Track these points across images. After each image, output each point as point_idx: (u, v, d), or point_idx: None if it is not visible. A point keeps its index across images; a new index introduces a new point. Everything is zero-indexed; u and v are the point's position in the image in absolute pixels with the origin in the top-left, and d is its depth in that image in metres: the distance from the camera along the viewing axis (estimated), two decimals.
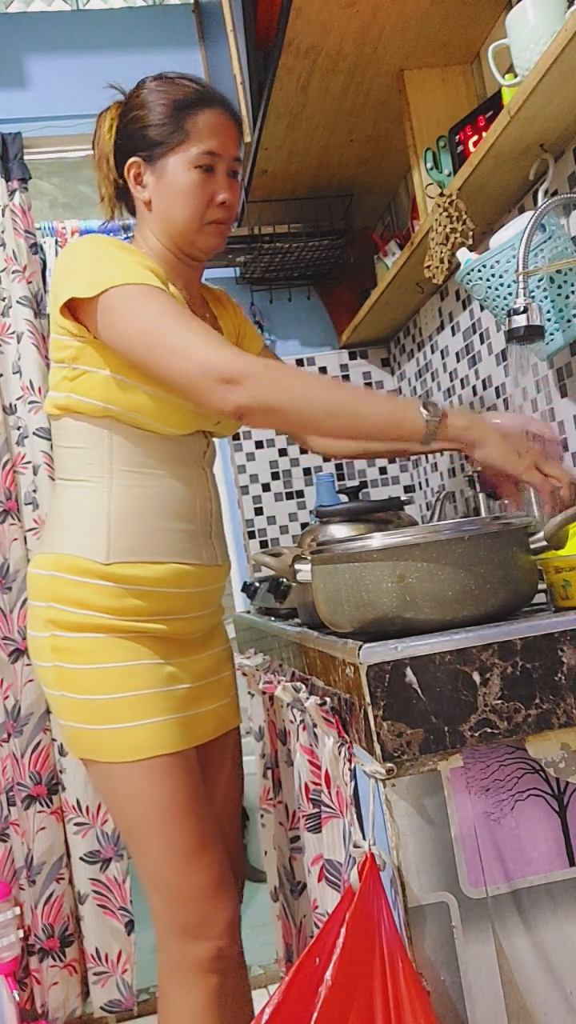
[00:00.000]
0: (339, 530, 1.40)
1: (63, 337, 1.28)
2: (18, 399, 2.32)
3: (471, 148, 1.63)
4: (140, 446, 1.30)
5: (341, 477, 2.52)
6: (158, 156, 1.31)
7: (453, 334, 2.11)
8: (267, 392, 1.15)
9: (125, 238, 1.40)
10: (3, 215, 2.36)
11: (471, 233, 1.59)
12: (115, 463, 1.29)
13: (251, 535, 2.49)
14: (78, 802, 2.22)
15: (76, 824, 2.22)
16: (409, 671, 0.82)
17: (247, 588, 1.96)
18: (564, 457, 1.21)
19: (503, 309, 1.46)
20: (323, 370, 2.56)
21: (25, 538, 2.29)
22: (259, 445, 2.50)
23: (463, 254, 1.51)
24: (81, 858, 2.21)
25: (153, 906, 1.27)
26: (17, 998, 1.97)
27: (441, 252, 1.62)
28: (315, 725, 1.06)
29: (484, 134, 1.55)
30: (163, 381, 1.22)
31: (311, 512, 2.45)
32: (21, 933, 2.07)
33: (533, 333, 1.28)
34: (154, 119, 1.32)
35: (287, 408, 1.17)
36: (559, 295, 1.40)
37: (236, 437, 2.49)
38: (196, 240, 1.34)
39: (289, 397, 1.16)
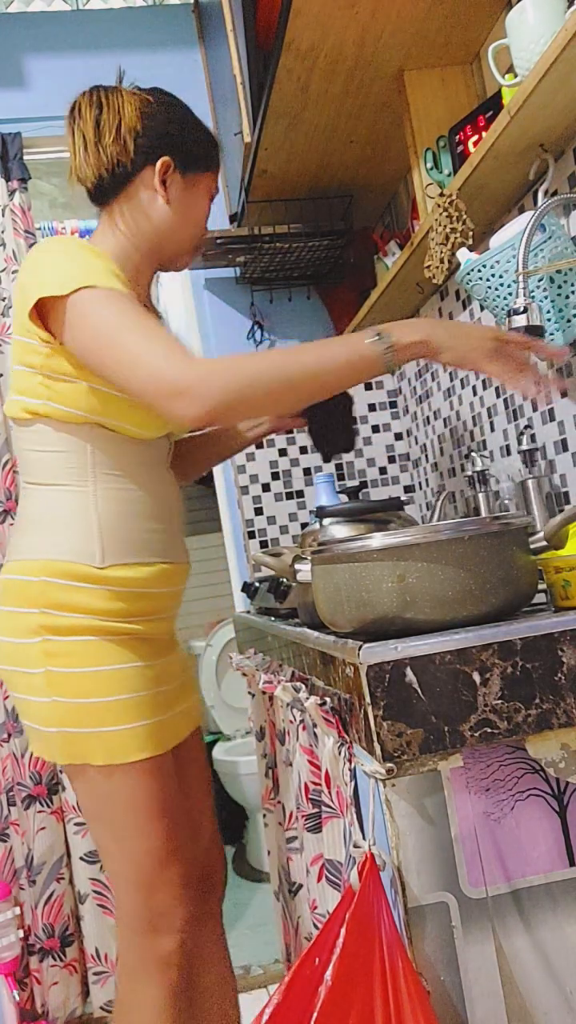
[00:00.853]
0: (339, 530, 1.40)
1: (31, 341, 1.26)
2: None
3: (471, 148, 1.63)
4: (119, 449, 1.31)
5: (341, 477, 2.52)
6: (192, 168, 1.35)
7: None
8: (219, 393, 1.13)
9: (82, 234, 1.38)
10: (3, 215, 2.36)
11: (471, 233, 1.59)
12: (96, 467, 1.30)
13: (251, 535, 2.49)
14: (78, 802, 2.22)
15: (76, 824, 2.22)
16: (409, 671, 0.82)
17: (247, 588, 1.96)
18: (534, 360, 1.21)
19: (503, 309, 1.46)
20: None
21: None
22: (259, 445, 2.50)
23: (463, 254, 1.51)
24: (81, 858, 2.22)
25: (122, 904, 1.30)
26: (17, 998, 1.97)
27: (441, 252, 1.62)
28: (315, 725, 1.06)
29: (484, 134, 1.55)
30: (120, 390, 1.23)
31: (311, 512, 2.45)
32: (21, 933, 2.08)
33: (533, 333, 1.28)
34: (200, 136, 1.36)
35: (248, 397, 1.15)
36: (559, 295, 1.40)
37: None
38: (183, 257, 1.40)
39: (243, 387, 1.14)
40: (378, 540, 0.88)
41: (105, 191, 1.35)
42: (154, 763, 1.28)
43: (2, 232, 2.36)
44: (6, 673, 1.32)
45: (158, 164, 1.33)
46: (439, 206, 1.60)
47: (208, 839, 1.51)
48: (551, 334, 1.42)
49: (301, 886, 1.40)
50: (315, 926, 1.16)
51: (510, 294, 1.43)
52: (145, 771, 1.27)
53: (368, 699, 0.81)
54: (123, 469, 1.31)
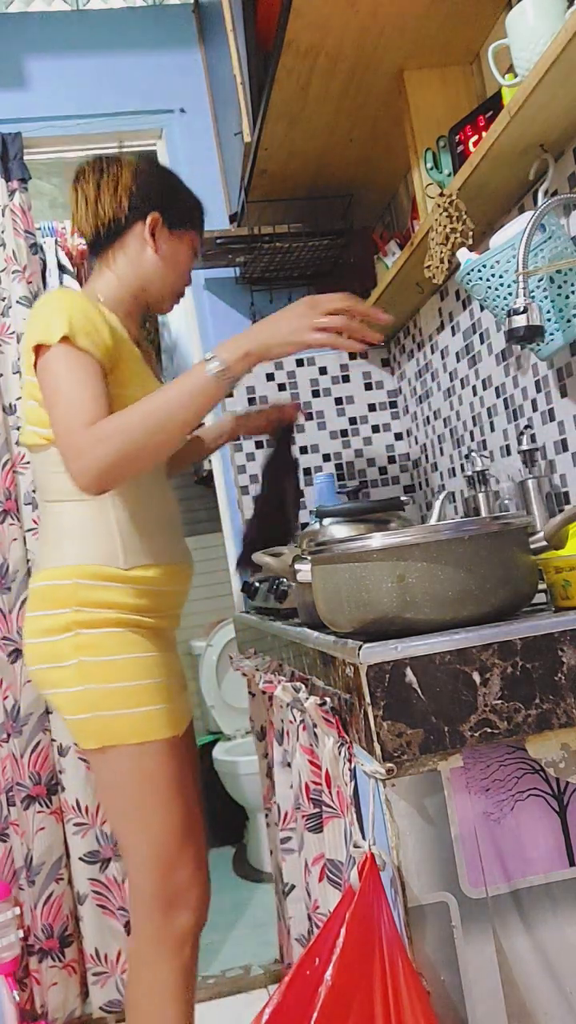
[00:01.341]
0: (339, 530, 1.40)
1: (35, 380, 1.41)
2: (18, 399, 2.32)
3: (471, 148, 1.63)
4: None
5: (341, 477, 2.52)
6: (179, 225, 1.55)
7: (453, 334, 2.11)
8: (99, 462, 1.29)
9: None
10: (3, 215, 2.36)
11: (471, 233, 1.59)
12: None
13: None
14: (77, 802, 2.22)
15: (75, 824, 2.22)
16: (409, 671, 0.82)
17: (247, 588, 1.96)
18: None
19: (503, 309, 1.46)
20: (323, 370, 2.56)
21: (24, 538, 2.29)
22: (259, 445, 2.50)
23: (463, 254, 1.51)
24: (80, 858, 2.21)
25: (140, 884, 1.41)
26: (17, 998, 1.97)
27: (441, 252, 1.62)
28: (315, 725, 1.06)
29: (484, 134, 1.55)
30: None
31: (311, 512, 2.45)
32: (21, 933, 2.07)
33: (533, 333, 1.28)
34: (186, 199, 1.57)
35: (125, 457, 1.29)
36: (559, 295, 1.40)
37: (236, 438, 2.49)
38: (166, 302, 1.60)
39: (117, 449, 1.29)
40: (378, 540, 0.88)
41: (101, 242, 1.55)
42: (173, 743, 1.42)
43: (2, 232, 2.36)
44: (39, 673, 1.45)
45: (148, 219, 1.52)
46: (439, 206, 1.60)
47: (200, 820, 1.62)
48: (551, 334, 1.42)
49: (294, 887, 1.40)
50: (316, 926, 1.16)
51: (510, 294, 1.43)
52: (167, 750, 1.41)
53: (368, 699, 0.81)
54: (138, 483, 1.47)
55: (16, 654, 2.25)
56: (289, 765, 1.30)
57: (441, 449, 2.31)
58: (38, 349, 1.38)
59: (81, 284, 1.70)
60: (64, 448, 1.32)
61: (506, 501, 1.78)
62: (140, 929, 1.42)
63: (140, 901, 1.42)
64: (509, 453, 1.91)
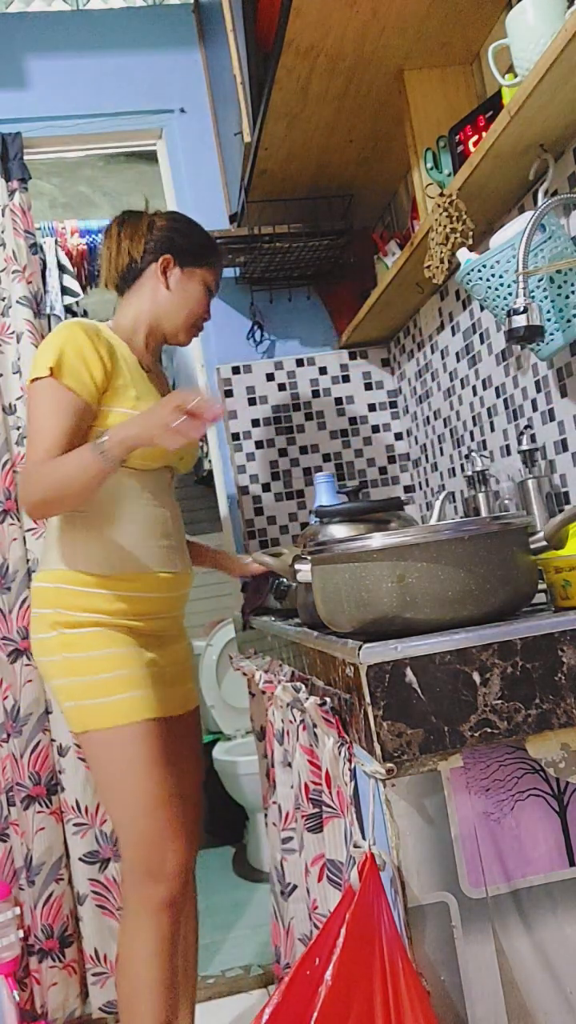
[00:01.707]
0: (339, 530, 1.40)
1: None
2: (18, 399, 2.32)
3: (471, 148, 1.63)
4: (129, 480, 1.63)
5: (341, 477, 2.53)
6: (188, 264, 1.74)
7: (453, 334, 2.11)
8: (29, 497, 1.54)
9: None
10: (3, 215, 2.36)
11: (471, 233, 1.59)
12: (106, 495, 1.60)
13: (251, 535, 2.49)
14: (77, 803, 2.21)
15: (75, 824, 2.22)
16: (409, 671, 0.82)
17: (247, 588, 1.96)
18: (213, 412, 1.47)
19: (503, 309, 1.46)
20: (323, 370, 2.56)
21: (24, 538, 2.29)
22: (259, 445, 2.50)
23: (463, 254, 1.51)
24: (80, 859, 2.21)
25: (124, 854, 1.57)
26: (17, 998, 1.97)
27: (441, 252, 1.62)
28: (315, 725, 1.06)
29: (484, 134, 1.55)
30: None
31: (311, 512, 2.45)
32: (21, 933, 2.07)
33: (533, 333, 1.28)
34: (198, 241, 1.77)
35: (44, 500, 1.53)
36: (559, 295, 1.40)
37: (236, 438, 2.49)
38: (180, 334, 1.77)
39: (40, 492, 1.52)
40: (378, 540, 0.88)
41: (125, 282, 1.76)
42: (149, 725, 1.56)
43: (2, 232, 2.36)
44: (39, 664, 1.65)
45: (159, 260, 1.72)
46: (439, 206, 1.60)
47: (192, 802, 1.76)
48: (551, 334, 1.42)
49: (296, 887, 1.40)
50: (316, 926, 1.16)
51: (510, 294, 1.43)
52: (140, 732, 1.55)
53: (368, 699, 0.81)
54: (128, 496, 1.63)
55: (16, 654, 2.25)
56: (290, 765, 1.30)
57: (441, 449, 2.31)
58: (33, 380, 1.58)
59: (81, 284, 1.82)
60: (20, 475, 1.51)
61: (506, 501, 1.78)
62: (126, 898, 1.58)
63: (125, 870, 1.59)
64: (509, 453, 1.91)
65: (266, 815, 1.74)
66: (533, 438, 1.72)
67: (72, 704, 1.58)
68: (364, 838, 0.85)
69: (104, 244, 1.78)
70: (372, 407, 2.58)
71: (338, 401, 2.56)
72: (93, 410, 1.58)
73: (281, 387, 2.53)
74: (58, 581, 1.61)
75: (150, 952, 1.53)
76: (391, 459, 2.58)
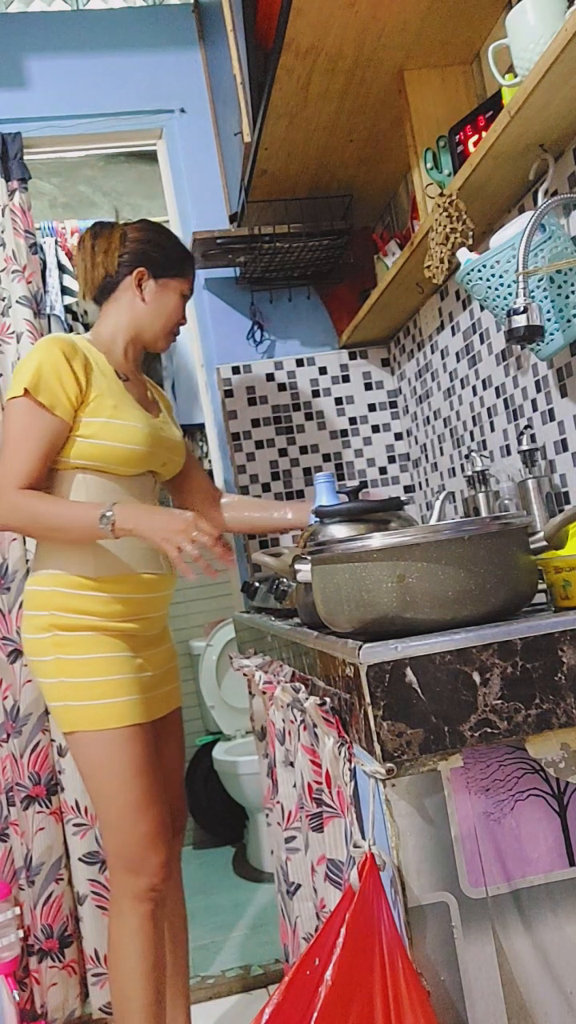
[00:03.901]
0: (339, 530, 1.40)
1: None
2: None
3: (471, 148, 1.63)
4: (112, 485, 1.68)
5: (341, 477, 2.53)
6: (162, 275, 1.79)
7: (453, 334, 2.11)
8: (3, 519, 1.61)
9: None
10: (3, 215, 2.36)
11: (471, 233, 1.59)
12: (90, 499, 1.65)
13: (251, 535, 2.48)
14: (77, 803, 2.21)
15: (75, 825, 2.22)
16: (409, 671, 0.82)
17: (247, 588, 1.96)
18: (231, 555, 1.59)
19: (503, 309, 1.46)
20: (323, 370, 2.56)
21: (24, 539, 2.29)
22: (259, 445, 2.50)
23: (463, 254, 1.51)
24: (80, 859, 2.21)
25: (107, 849, 1.65)
26: (17, 998, 1.97)
27: (441, 252, 1.62)
28: (315, 725, 1.06)
29: (484, 134, 1.55)
30: None
31: (311, 512, 2.45)
32: (21, 933, 2.07)
33: (533, 333, 1.28)
34: (169, 253, 1.81)
35: (21, 530, 1.67)
36: (559, 295, 1.40)
37: (236, 437, 2.49)
38: (159, 341, 1.83)
39: (18, 521, 1.61)
40: (378, 540, 0.88)
41: (102, 295, 1.81)
42: (134, 730, 1.62)
43: (2, 232, 2.36)
44: (30, 664, 1.69)
45: (134, 273, 1.77)
46: (439, 206, 1.60)
47: (177, 797, 1.85)
48: (551, 334, 1.42)
49: (300, 886, 1.40)
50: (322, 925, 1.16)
51: (510, 294, 1.43)
52: (127, 737, 1.61)
53: (368, 699, 0.81)
54: (112, 500, 1.65)
55: (15, 654, 2.25)
56: (292, 764, 1.30)
57: (441, 449, 2.31)
58: (10, 399, 1.64)
59: (85, 296, 1.89)
60: None
61: (506, 501, 1.78)
62: (111, 884, 1.66)
63: (109, 863, 1.66)
64: (509, 453, 1.91)
65: (267, 814, 1.74)
66: (533, 438, 1.72)
67: (61, 704, 1.63)
68: (364, 838, 0.85)
69: (78, 256, 1.83)
70: (372, 407, 2.58)
71: (338, 401, 2.56)
72: (69, 426, 1.64)
73: (281, 387, 2.53)
74: (53, 584, 1.65)
75: (132, 939, 1.60)
76: (391, 459, 2.58)
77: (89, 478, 1.67)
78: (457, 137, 1.66)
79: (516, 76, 1.37)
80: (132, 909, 1.62)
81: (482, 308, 1.85)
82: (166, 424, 1.83)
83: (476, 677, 0.82)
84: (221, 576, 3.43)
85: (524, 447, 1.68)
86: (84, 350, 1.70)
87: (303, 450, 2.52)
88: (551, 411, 1.70)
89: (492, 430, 1.98)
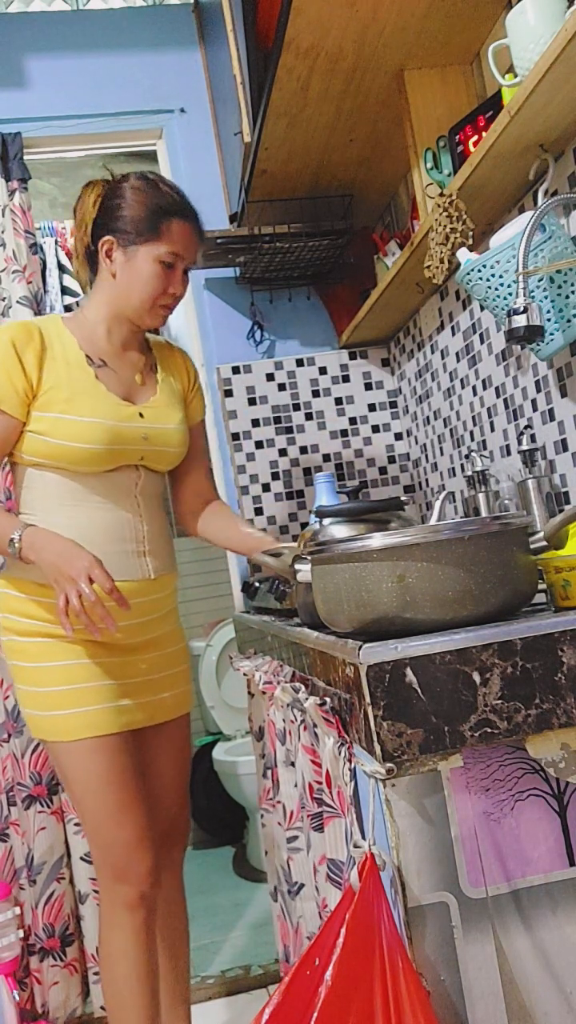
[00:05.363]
0: (339, 530, 1.40)
1: None
2: None
3: (471, 148, 1.63)
4: (71, 483, 1.56)
5: (341, 477, 2.53)
6: (131, 242, 1.58)
7: (453, 334, 2.11)
8: None
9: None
10: (3, 215, 2.36)
11: (471, 233, 1.59)
12: (49, 498, 1.56)
13: None
14: None
15: (76, 824, 2.22)
16: (409, 671, 0.82)
17: (247, 588, 1.96)
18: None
19: (503, 309, 1.46)
20: (323, 370, 2.56)
21: None
22: (259, 445, 2.50)
23: (463, 254, 1.51)
24: (81, 858, 2.21)
25: (93, 857, 1.58)
26: (17, 998, 1.97)
27: (441, 252, 1.62)
28: (315, 725, 1.06)
29: (484, 134, 1.55)
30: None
31: (311, 512, 2.45)
32: (21, 933, 2.07)
33: (533, 333, 1.28)
34: (135, 212, 1.58)
35: None
36: (559, 295, 1.40)
37: (236, 437, 2.49)
38: (144, 317, 1.63)
39: None
40: (378, 540, 0.88)
41: (90, 267, 1.66)
42: (99, 741, 1.52)
43: (2, 232, 2.36)
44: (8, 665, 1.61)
45: (101, 244, 1.60)
46: (439, 206, 1.60)
47: (175, 806, 1.74)
48: (551, 334, 1.42)
49: (303, 885, 1.40)
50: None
51: (510, 294, 1.43)
52: (87, 748, 1.52)
53: (368, 699, 0.81)
54: (77, 501, 1.56)
55: None
56: (293, 764, 1.30)
57: (441, 449, 2.31)
58: None
59: (81, 284, 1.77)
60: None
61: (506, 501, 1.78)
62: (101, 893, 1.59)
63: (96, 870, 1.59)
64: (509, 453, 1.91)
65: (262, 815, 1.74)
66: (533, 438, 1.72)
67: (24, 711, 1.58)
68: (364, 838, 0.85)
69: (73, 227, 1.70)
70: (372, 407, 2.58)
71: (338, 401, 2.56)
72: (19, 421, 1.53)
73: (281, 387, 2.53)
74: (4, 586, 1.58)
75: (123, 945, 1.54)
76: (391, 459, 2.58)
77: (47, 476, 1.56)
78: (457, 137, 1.66)
79: (516, 76, 1.37)
80: (124, 918, 1.55)
81: (482, 308, 1.85)
82: (155, 410, 1.64)
83: (476, 677, 0.83)
84: (221, 576, 3.43)
85: (524, 447, 1.68)
86: (49, 335, 1.57)
87: (303, 450, 2.53)
88: (551, 411, 1.70)
89: (492, 430, 1.98)
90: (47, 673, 1.54)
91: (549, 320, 1.41)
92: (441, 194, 1.61)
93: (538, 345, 1.46)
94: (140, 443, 1.60)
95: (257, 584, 1.90)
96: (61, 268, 3.07)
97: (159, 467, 1.67)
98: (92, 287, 1.66)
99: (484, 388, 1.98)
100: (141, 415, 1.61)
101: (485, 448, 2.02)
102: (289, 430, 2.53)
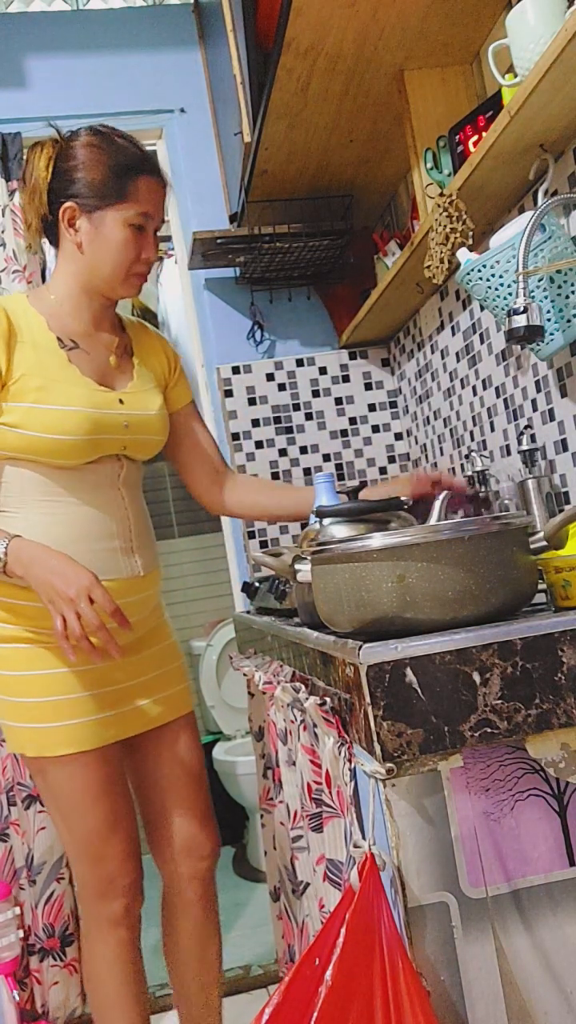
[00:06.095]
0: (339, 530, 1.39)
1: None
2: None
3: (471, 148, 1.63)
4: (50, 477, 1.43)
5: (341, 477, 2.53)
6: (95, 207, 1.44)
7: (453, 334, 2.11)
8: None
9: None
10: (3, 215, 2.36)
11: (471, 233, 1.59)
12: (28, 494, 1.43)
13: (251, 535, 2.49)
14: None
15: None
16: (409, 671, 0.82)
17: (247, 588, 1.96)
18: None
19: (503, 309, 1.46)
20: (323, 370, 2.56)
21: None
22: (259, 445, 2.50)
23: (463, 254, 1.51)
24: None
25: (75, 874, 1.49)
26: (17, 998, 1.97)
27: (441, 252, 1.62)
28: (315, 725, 1.06)
29: (484, 134, 1.55)
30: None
31: (311, 512, 2.45)
32: (21, 933, 2.07)
33: (533, 333, 1.28)
34: (96, 174, 1.43)
35: None
36: (559, 295, 1.40)
37: (236, 437, 2.49)
38: (118, 288, 1.49)
39: None
40: (378, 540, 0.88)
41: (50, 239, 1.52)
42: (81, 757, 1.42)
43: (2, 232, 2.36)
44: None
45: (61, 212, 1.45)
46: (439, 206, 1.60)
47: (195, 817, 1.60)
48: (551, 334, 1.42)
49: (308, 885, 1.40)
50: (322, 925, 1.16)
51: (510, 294, 1.43)
52: (73, 763, 1.42)
53: (368, 699, 0.81)
54: (56, 495, 1.43)
55: None
56: (294, 764, 1.30)
57: (441, 449, 2.31)
58: None
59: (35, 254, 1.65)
60: None
61: (506, 501, 1.78)
62: (82, 911, 1.52)
63: (77, 887, 1.51)
64: (509, 453, 1.91)
65: (262, 815, 1.74)
66: (533, 438, 1.72)
67: (4, 723, 1.46)
68: (364, 838, 0.85)
69: (20, 194, 1.52)
70: (372, 407, 2.58)
71: (338, 401, 2.56)
72: None
73: (281, 387, 2.53)
74: None
75: (109, 961, 1.47)
76: (391, 459, 2.58)
77: (24, 472, 1.42)
78: (457, 137, 1.66)
79: (516, 76, 1.37)
80: (108, 934, 1.47)
81: (482, 308, 1.85)
82: (135, 396, 1.52)
83: (476, 677, 0.83)
84: (221, 576, 3.43)
85: (524, 447, 1.68)
86: (16, 317, 1.44)
87: (303, 450, 2.53)
88: (551, 411, 1.70)
89: (492, 430, 1.98)
90: (28, 683, 1.42)
91: (549, 320, 1.41)
92: (441, 194, 1.61)
93: (538, 345, 1.46)
94: (121, 432, 1.47)
95: (257, 584, 1.90)
96: None
97: (140, 456, 1.55)
98: (58, 258, 1.52)
99: (484, 388, 1.98)
100: (121, 401, 1.49)
101: (485, 448, 2.02)
102: (289, 430, 2.53)
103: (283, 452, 2.52)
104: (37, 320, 1.46)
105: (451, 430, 2.22)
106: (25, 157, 1.50)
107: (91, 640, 1.32)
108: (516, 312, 1.27)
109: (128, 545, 1.50)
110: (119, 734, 1.49)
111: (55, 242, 1.51)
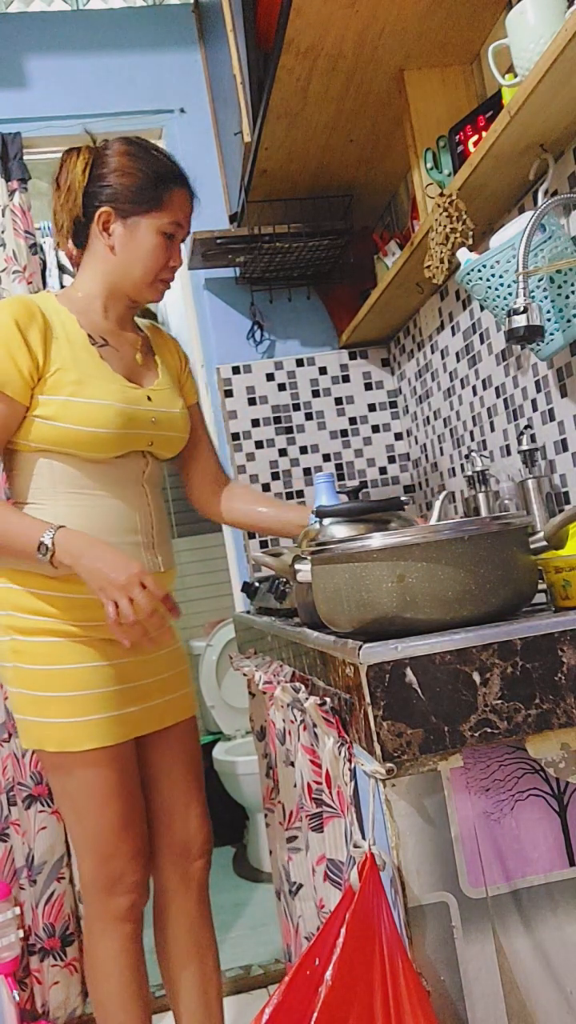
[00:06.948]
0: (339, 530, 1.40)
1: None
2: None
3: (471, 148, 1.63)
4: (79, 471, 1.46)
5: (341, 477, 2.53)
6: (131, 213, 1.50)
7: (453, 334, 2.11)
8: None
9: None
10: (3, 215, 2.36)
11: (471, 233, 1.59)
12: (57, 487, 1.46)
13: (251, 535, 2.49)
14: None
15: None
16: (409, 671, 0.82)
17: (247, 588, 1.96)
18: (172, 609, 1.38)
19: (503, 309, 1.46)
20: (323, 370, 2.56)
21: None
22: (259, 445, 2.50)
23: (463, 254, 1.51)
24: None
25: (83, 870, 1.50)
26: (17, 998, 1.97)
27: (441, 252, 1.62)
28: (315, 725, 1.06)
29: (484, 134, 1.55)
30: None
31: (311, 512, 2.45)
32: (21, 933, 2.07)
33: (533, 333, 1.28)
34: (133, 181, 1.50)
35: None
36: (559, 295, 1.40)
37: (236, 437, 2.49)
38: (144, 291, 1.55)
39: None
40: (378, 540, 0.88)
41: (76, 240, 1.57)
42: (104, 752, 1.44)
43: (2, 232, 2.36)
44: None
45: (97, 215, 1.50)
46: (439, 206, 1.60)
47: (194, 817, 1.63)
48: (551, 334, 1.42)
49: (301, 885, 1.40)
50: (322, 925, 1.16)
51: (510, 294, 1.43)
52: (95, 759, 1.43)
53: (368, 699, 0.81)
54: (85, 488, 1.47)
55: None
56: (292, 764, 1.30)
57: (441, 449, 2.31)
58: None
59: (69, 258, 1.68)
60: None
61: (506, 501, 1.78)
62: (86, 907, 1.52)
63: (83, 883, 1.51)
64: (509, 453, 1.91)
65: (265, 815, 1.74)
66: (533, 438, 1.72)
67: (20, 717, 1.47)
68: (364, 838, 0.85)
69: (53, 197, 1.56)
70: (372, 407, 2.58)
71: (338, 401, 2.56)
72: (24, 406, 1.43)
73: (281, 387, 2.53)
74: (8, 580, 1.46)
75: (113, 957, 1.48)
76: (391, 459, 2.58)
77: (55, 464, 1.46)
78: (457, 137, 1.66)
79: (516, 76, 1.37)
80: (114, 930, 1.48)
81: (482, 308, 1.85)
82: (161, 394, 1.57)
83: (476, 677, 0.83)
84: (221, 576, 3.43)
85: (524, 447, 1.68)
86: (48, 313, 1.47)
87: (303, 450, 2.53)
88: (551, 411, 1.70)
89: (492, 430, 1.98)
90: (54, 677, 1.43)
91: (549, 320, 1.41)
92: (441, 194, 1.61)
93: (538, 345, 1.46)
94: (150, 427, 1.52)
95: (257, 584, 1.90)
96: (61, 268, 3.07)
97: (165, 454, 1.60)
98: (83, 259, 1.57)
99: (484, 388, 1.98)
100: (149, 398, 1.54)
101: (485, 448, 2.02)
102: (289, 430, 2.53)
103: (283, 452, 2.52)
104: (68, 317, 1.50)
105: (451, 430, 2.22)
106: (59, 161, 1.54)
107: (147, 628, 1.35)
108: (516, 312, 1.27)
109: (150, 541, 1.53)
110: (135, 731, 1.51)
111: (83, 244, 1.56)
